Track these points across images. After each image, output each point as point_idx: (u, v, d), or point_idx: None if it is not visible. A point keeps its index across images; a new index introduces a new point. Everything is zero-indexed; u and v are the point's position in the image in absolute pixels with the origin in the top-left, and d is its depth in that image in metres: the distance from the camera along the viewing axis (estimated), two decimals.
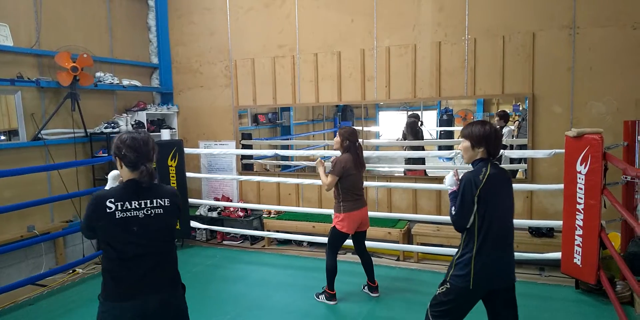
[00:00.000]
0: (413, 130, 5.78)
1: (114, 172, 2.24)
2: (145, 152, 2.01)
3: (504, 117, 5.34)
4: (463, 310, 2.31)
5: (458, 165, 5.35)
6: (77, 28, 5.30)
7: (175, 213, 2.10)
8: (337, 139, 3.76)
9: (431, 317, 2.33)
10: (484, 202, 2.21)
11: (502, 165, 2.48)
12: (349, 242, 3.96)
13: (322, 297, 3.85)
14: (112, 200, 1.94)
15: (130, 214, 1.96)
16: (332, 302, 3.79)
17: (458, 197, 2.27)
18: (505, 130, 5.31)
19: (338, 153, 3.89)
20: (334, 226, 3.74)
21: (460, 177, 2.33)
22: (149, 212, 1.99)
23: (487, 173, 2.22)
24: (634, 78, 4.23)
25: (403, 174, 5.55)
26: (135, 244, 1.96)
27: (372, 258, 3.94)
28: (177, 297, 2.09)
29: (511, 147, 5.07)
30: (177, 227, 5.31)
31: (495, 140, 2.28)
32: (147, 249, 1.99)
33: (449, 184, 2.41)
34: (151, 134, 5.78)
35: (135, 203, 1.97)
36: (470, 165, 2.37)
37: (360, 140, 5.53)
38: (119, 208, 1.94)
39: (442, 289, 2.32)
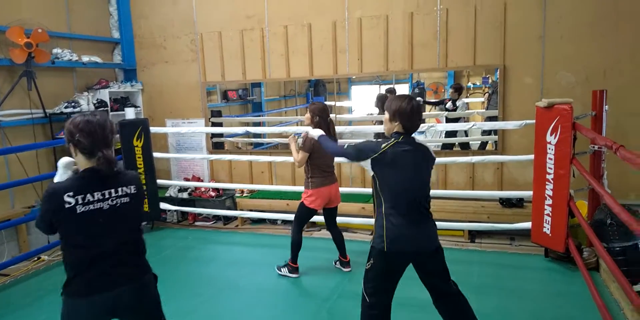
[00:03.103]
0: (384, 104, 5.70)
1: (65, 159, 1.94)
2: (102, 136, 1.81)
3: (458, 90, 5.40)
4: (390, 278, 2.31)
5: (430, 138, 5.35)
6: (30, 1, 4.93)
7: (142, 200, 2.00)
8: (308, 115, 3.73)
9: (366, 295, 2.33)
10: (385, 170, 2.27)
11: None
12: (322, 218, 3.94)
13: (284, 270, 3.88)
14: (71, 193, 1.76)
15: (94, 206, 1.80)
16: (294, 275, 3.83)
17: (357, 145, 2.39)
18: (459, 103, 5.37)
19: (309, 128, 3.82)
20: (302, 202, 3.75)
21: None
22: (114, 202, 1.85)
23: (392, 144, 2.27)
24: (602, 47, 4.23)
25: None
26: (101, 236, 1.83)
27: (347, 233, 3.94)
28: (148, 286, 1.98)
29: (465, 120, 5.11)
30: (146, 209, 5.20)
31: (410, 116, 2.28)
32: (114, 240, 1.86)
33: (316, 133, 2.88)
34: (115, 113, 5.64)
35: (98, 194, 1.81)
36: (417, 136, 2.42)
37: (332, 115, 5.48)
38: (80, 202, 1.77)
39: (368, 264, 2.35)
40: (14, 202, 4.73)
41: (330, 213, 3.89)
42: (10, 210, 4.64)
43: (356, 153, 2.37)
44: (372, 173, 2.33)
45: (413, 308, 3.09)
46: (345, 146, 2.48)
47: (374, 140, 2.39)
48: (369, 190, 4.95)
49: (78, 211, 1.77)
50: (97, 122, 1.82)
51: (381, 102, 5.78)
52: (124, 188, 1.89)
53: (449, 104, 5.41)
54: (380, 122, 5.57)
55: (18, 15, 4.70)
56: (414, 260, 2.35)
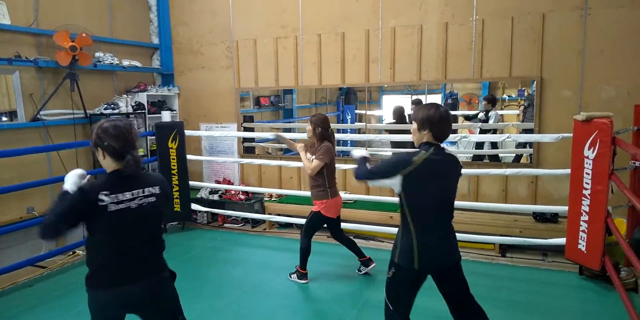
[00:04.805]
0: (401, 116, 5.85)
1: (79, 171, 1.94)
2: (130, 140, 1.94)
3: (492, 101, 5.36)
4: (413, 290, 2.32)
5: (462, 149, 5.29)
6: (76, 7, 5.18)
7: (165, 200, 2.08)
8: (309, 126, 3.75)
9: (389, 302, 2.33)
10: (416, 184, 2.19)
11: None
12: (354, 226, 3.98)
13: (294, 277, 3.92)
14: (107, 192, 1.86)
15: (124, 205, 1.91)
16: (303, 281, 3.87)
17: (384, 161, 2.28)
18: (491, 113, 5.28)
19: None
20: (319, 211, 3.77)
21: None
22: (142, 201, 1.95)
23: (424, 157, 2.19)
24: None
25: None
26: (128, 234, 1.94)
27: (374, 242, 3.94)
28: (164, 283, 2.07)
29: (498, 132, 5.07)
30: (178, 209, 5.32)
31: (439, 123, 2.22)
32: (138, 238, 1.97)
33: (358, 154, 2.53)
34: (152, 115, 5.81)
35: (127, 194, 1.92)
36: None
37: (362, 124, 5.50)
38: (114, 200, 1.88)
39: (389, 273, 2.34)
40: (54, 198, 4.91)
41: (338, 223, 3.95)
42: (49, 205, 4.81)
43: (383, 170, 2.25)
44: (399, 190, 2.21)
45: (429, 318, 3.07)
46: (370, 167, 2.35)
47: (401, 154, 2.25)
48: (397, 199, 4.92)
49: (110, 209, 1.87)
50: (124, 127, 1.94)
51: (397, 114, 5.85)
52: (150, 188, 1.99)
53: (480, 115, 5.34)
54: (394, 132, 5.65)
55: (64, 21, 4.92)
56: (437, 272, 2.36)
